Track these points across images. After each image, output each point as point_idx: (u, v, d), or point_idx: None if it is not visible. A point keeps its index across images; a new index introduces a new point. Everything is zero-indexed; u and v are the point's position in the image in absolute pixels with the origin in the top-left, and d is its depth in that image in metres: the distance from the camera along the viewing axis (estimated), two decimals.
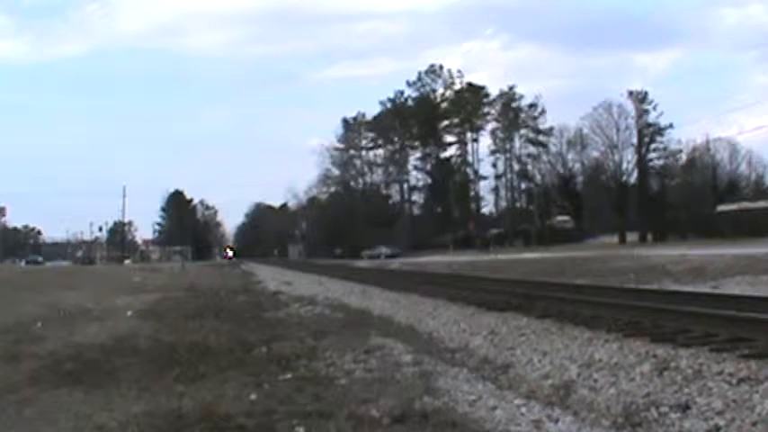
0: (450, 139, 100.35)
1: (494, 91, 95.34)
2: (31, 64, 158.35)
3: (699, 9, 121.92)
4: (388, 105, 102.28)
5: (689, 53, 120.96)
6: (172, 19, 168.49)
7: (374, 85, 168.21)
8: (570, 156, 78.24)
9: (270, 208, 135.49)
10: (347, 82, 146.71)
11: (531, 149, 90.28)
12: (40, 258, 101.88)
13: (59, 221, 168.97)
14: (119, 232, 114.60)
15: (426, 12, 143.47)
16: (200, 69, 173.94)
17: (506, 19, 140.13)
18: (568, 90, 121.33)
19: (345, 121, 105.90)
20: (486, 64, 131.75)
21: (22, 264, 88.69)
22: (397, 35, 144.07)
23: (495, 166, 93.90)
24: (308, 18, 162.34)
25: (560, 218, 79.17)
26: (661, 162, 73.54)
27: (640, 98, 73.05)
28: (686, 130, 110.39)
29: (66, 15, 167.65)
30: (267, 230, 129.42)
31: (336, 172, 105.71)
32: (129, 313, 17.31)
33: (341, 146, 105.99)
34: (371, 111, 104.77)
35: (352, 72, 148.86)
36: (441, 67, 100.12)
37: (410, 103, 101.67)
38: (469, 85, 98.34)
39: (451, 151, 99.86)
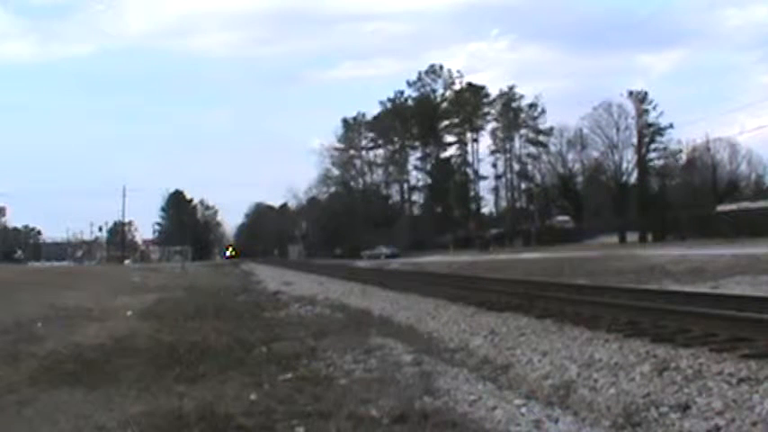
0: (450, 139, 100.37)
1: (495, 91, 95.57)
2: (35, 64, 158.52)
3: (702, 10, 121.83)
4: (388, 105, 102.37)
5: (691, 54, 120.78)
6: (176, 20, 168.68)
7: (378, 86, 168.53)
8: (570, 156, 78.23)
9: (270, 208, 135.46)
10: (350, 83, 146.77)
11: (531, 149, 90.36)
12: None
13: (59, 221, 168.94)
14: (119, 232, 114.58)
15: (431, 13, 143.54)
16: (202, 70, 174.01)
17: (512, 19, 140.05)
18: (572, 90, 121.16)
19: (345, 122, 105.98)
20: (491, 64, 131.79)
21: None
22: (402, 36, 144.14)
23: (495, 166, 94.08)
24: (311, 19, 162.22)
25: (560, 218, 79.06)
26: (661, 162, 73.52)
27: (640, 98, 73.05)
28: (686, 130, 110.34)
29: (72, 16, 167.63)
30: (267, 230, 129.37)
31: (336, 172, 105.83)
32: (129, 313, 17.31)
33: (341, 146, 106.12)
34: (372, 111, 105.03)
35: (356, 73, 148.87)
36: (441, 67, 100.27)
37: (410, 103, 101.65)
38: (469, 85, 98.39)
39: (451, 151, 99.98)
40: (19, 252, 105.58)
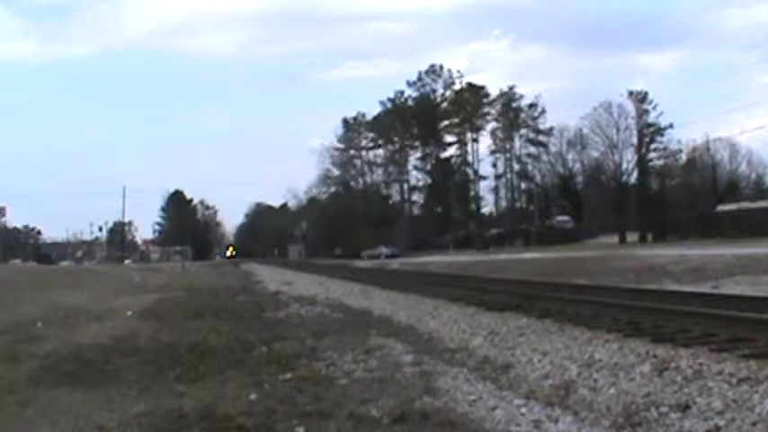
0: (450, 139, 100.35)
1: (495, 91, 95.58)
2: (36, 64, 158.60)
3: (703, 10, 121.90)
4: (389, 105, 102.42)
5: (691, 54, 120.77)
6: (176, 20, 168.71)
7: (379, 86, 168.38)
8: (570, 156, 78.46)
9: (270, 208, 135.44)
10: (352, 83, 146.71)
11: (531, 149, 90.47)
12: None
13: (59, 221, 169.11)
14: (119, 232, 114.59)
15: (431, 13, 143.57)
16: (203, 69, 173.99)
17: (514, 19, 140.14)
18: (572, 90, 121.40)
19: (345, 121, 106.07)
20: (492, 65, 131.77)
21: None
22: (402, 36, 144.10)
23: (495, 166, 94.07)
24: (312, 19, 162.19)
25: (560, 218, 79.13)
26: (661, 162, 73.66)
27: (640, 98, 73.18)
28: (686, 130, 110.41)
29: (73, 16, 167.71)
30: (267, 230, 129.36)
31: (336, 172, 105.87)
32: (129, 313, 17.31)
33: (341, 146, 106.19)
34: (372, 111, 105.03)
35: (357, 73, 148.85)
36: (441, 67, 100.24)
37: (410, 103, 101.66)
38: (469, 85, 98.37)
39: (451, 151, 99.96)
40: (54, 254, 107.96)
